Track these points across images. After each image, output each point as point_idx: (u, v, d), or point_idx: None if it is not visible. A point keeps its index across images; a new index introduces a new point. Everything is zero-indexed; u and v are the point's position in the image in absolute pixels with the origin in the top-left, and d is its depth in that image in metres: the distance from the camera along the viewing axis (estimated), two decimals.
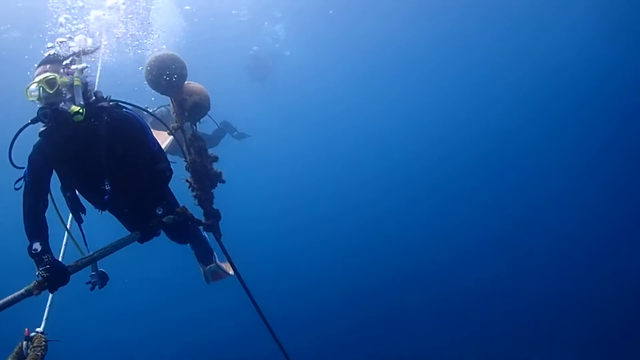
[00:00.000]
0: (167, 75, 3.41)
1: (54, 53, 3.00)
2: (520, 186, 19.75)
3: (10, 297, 2.57)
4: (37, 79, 2.86)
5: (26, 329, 2.88)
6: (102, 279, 3.39)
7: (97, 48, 3.21)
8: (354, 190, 23.28)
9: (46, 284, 2.67)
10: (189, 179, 3.62)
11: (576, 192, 17.40)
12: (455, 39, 20.00)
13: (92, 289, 3.36)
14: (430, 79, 23.28)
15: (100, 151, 3.02)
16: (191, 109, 3.62)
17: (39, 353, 2.71)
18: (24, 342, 2.82)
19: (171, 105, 3.68)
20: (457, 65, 22.11)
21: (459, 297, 13.35)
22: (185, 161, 3.64)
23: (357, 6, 16.55)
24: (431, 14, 17.85)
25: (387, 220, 20.40)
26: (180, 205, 3.64)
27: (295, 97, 22.64)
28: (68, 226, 3.49)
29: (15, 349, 2.82)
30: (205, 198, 3.66)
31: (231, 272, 4.43)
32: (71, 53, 3.01)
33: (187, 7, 13.47)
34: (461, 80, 23.01)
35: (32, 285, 2.66)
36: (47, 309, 3.28)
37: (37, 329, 2.94)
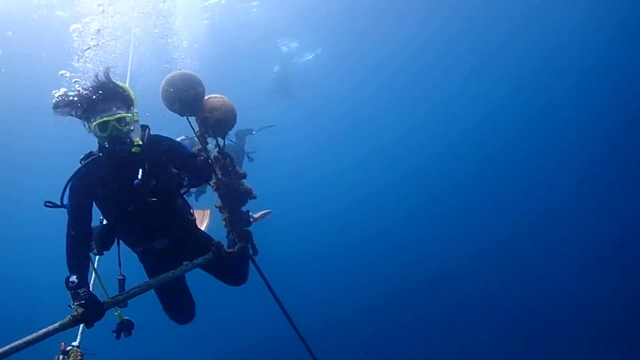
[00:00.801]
0: (180, 98, 3.24)
1: (107, 83, 3.08)
2: (525, 190, 19.74)
3: (43, 330, 2.61)
4: (107, 117, 3.00)
5: (62, 343, 2.93)
6: (127, 327, 3.31)
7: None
8: (373, 195, 23.57)
9: (82, 318, 2.71)
10: (217, 204, 3.45)
11: (581, 193, 17.32)
12: (461, 42, 19.98)
13: (117, 337, 3.27)
14: (436, 83, 23.48)
15: (141, 168, 3.16)
16: (214, 126, 3.41)
17: None
18: (60, 356, 2.86)
19: (195, 124, 3.49)
20: (462, 70, 22.38)
21: (472, 301, 13.24)
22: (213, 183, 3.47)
23: (372, 11, 16.28)
24: (440, 18, 17.66)
25: (408, 225, 20.49)
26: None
27: (317, 106, 22.88)
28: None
29: None
30: (234, 219, 3.48)
31: None
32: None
33: (206, 18, 13.47)
34: (465, 85, 23.36)
35: (67, 319, 2.69)
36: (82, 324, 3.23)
37: (73, 343, 2.99)
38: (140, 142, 3.12)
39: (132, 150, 3.07)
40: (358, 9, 15.79)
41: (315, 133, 26.18)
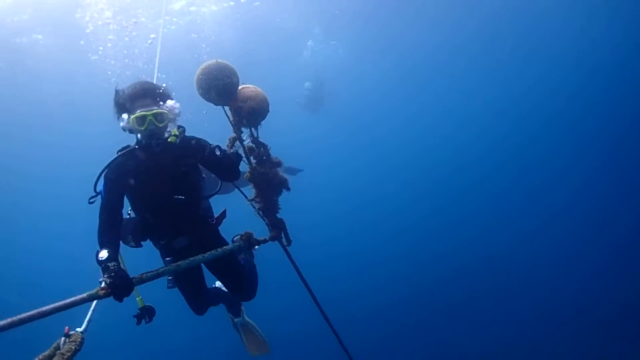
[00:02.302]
0: (216, 86, 3.25)
1: (145, 83, 3.37)
2: (528, 194, 19.69)
3: (71, 299, 2.58)
4: (145, 112, 3.21)
5: (66, 327, 2.93)
6: (149, 312, 3.37)
7: None
8: (390, 194, 23.50)
9: (110, 291, 2.67)
10: (251, 196, 3.45)
11: (592, 191, 17.41)
12: (471, 46, 19.87)
13: (138, 323, 3.34)
14: (448, 86, 23.60)
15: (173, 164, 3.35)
16: (248, 115, 3.42)
17: (72, 346, 2.76)
18: (62, 339, 2.86)
19: (227, 114, 3.51)
20: (471, 76, 22.43)
21: (489, 299, 13.20)
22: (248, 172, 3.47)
23: (387, 11, 16.15)
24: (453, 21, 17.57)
25: (426, 223, 20.45)
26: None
27: (346, 114, 22.85)
28: None
29: (54, 344, 2.87)
30: (268, 208, 3.48)
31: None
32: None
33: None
34: (471, 89, 23.41)
35: (95, 291, 2.67)
36: (90, 312, 3.28)
37: (78, 329, 2.99)
38: (177, 133, 3.28)
39: (169, 140, 3.23)
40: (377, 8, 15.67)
41: (330, 133, 26.15)
